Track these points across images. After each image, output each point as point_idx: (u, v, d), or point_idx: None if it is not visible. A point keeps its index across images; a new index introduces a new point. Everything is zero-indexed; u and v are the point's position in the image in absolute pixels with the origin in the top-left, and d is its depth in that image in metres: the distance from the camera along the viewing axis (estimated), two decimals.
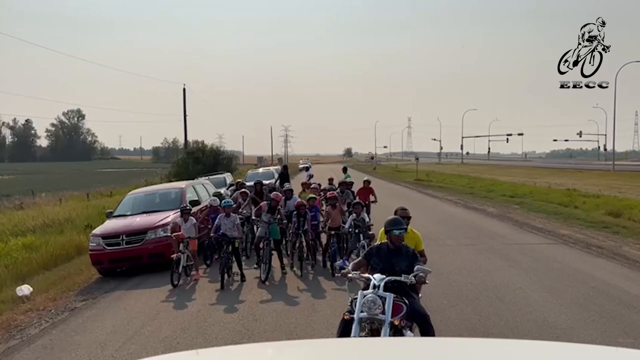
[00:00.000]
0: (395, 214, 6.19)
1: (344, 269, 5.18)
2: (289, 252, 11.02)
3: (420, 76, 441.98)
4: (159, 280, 9.90)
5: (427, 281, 5.00)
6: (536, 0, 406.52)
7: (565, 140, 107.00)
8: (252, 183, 14.95)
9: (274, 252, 10.20)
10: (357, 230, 9.76)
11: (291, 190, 11.99)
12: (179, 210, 12.23)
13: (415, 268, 4.95)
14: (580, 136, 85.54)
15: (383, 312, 4.53)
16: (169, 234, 10.33)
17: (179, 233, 10.11)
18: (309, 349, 2.10)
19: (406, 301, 4.79)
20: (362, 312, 4.55)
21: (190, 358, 2.06)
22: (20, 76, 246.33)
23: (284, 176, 20.17)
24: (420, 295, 5.62)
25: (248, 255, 11.61)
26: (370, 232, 10.07)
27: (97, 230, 11.58)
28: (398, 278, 4.84)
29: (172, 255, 9.74)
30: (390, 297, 4.60)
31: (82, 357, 6.38)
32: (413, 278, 4.84)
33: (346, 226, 9.99)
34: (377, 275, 4.82)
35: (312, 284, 9.37)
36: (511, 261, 10.47)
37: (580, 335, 6.21)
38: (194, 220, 10.47)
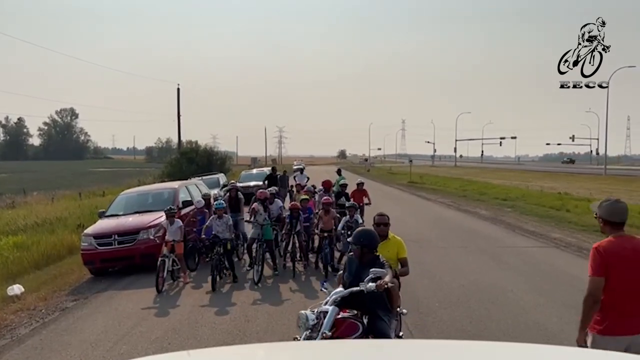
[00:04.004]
0: (374, 221, 5.94)
1: (326, 288, 4.73)
2: (281, 253, 11.00)
3: (414, 78, 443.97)
4: (150, 280, 9.82)
5: (388, 285, 4.30)
6: (532, 2, 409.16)
7: (558, 144, 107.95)
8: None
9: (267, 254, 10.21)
10: (349, 232, 9.77)
11: (274, 195, 11.76)
12: None
13: (370, 271, 4.27)
14: (573, 140, 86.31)
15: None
16: (153, 237, 10.01)
17: (167, 237, 9.88)
18: (300, 350, 2.10)
19: (363, 321, 4.26)
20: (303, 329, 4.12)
21: (181, 359, 2.06)
22: (12, 74, 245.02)
23: (273, 179, 19.69)
24: (404, 311, 5.31)
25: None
26: None
27: (89, 229, 11.52)
28: (355, 288, 4.28)
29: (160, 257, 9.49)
30: (331, 310, 4.05)
31: (72, 358, 6.34)
32: (372, 284, 4.17)
33: (339, 228, 10.00)
34: (337, 290, 4.38)
35: (304, 285, 9.36)
36: (503, 263, 10.52)
37: (571, 337, 6.21)
38: (180, 223, 10.18)
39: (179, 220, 10.28)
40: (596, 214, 3.95)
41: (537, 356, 1.92)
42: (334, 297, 4.25)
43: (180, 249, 9.93)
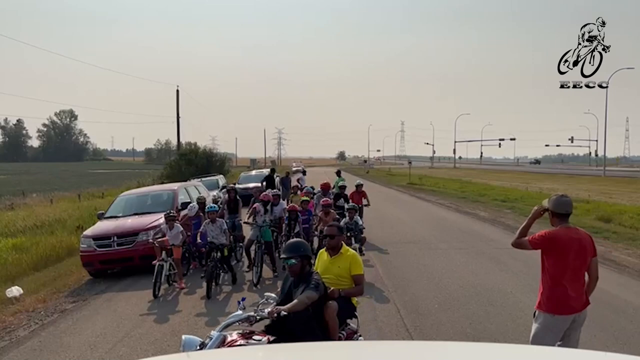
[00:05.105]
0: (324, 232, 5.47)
1: (243, 308, 4.06)
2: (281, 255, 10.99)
3: (414, 80, 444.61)
4: (149, 282, 9.81)
5: (281, 313, 3.84)
6: (532, 3, 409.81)
7: (557, 146, 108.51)
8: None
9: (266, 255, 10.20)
10: (349, 234, 9.79)
11: (278, 196, 11.74)
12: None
13: (265, 295, 3.95)
14: (572, 142, 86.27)
15: None
16: (152, 240, 9.82)
17: (164, 239, 9.68)
18: (299, 352, 2.10)
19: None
20: None
21: None
22: (11, 75, 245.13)
23: (272, 180, 19.71)
24: (360, 338, 4.79)
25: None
26: (362, 235, 10.10)
27: (88, 231, 11.51)
28: (250, 313, 3.86)
29: (154, 262, 9.30)
30: (215, 337, 3.54)
31: (71, 359, 6.33)
32: (265, 311, 3.81)
33: None
34: (236, 312, 3.91)
35: None
36: (502, 265, 10.51)
37: None
38: (180, 228, 9.97)
39: (178, 225, 10.08)
40: (547, 209, 4.44)
41: (537, 358, 1.93)
42: (228, 321, 3.80)
43: (177, 254, 9.75)
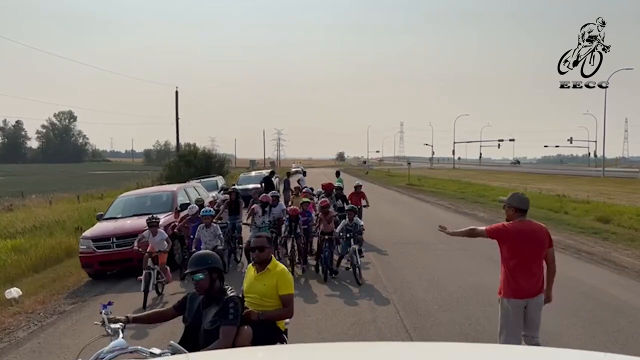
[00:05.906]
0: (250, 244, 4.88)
1: (108, 313, 3.47)
2: (280, 256, 11.00)
3: (413, 80, 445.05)
4: None
5: None
6: (531, 4, 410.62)
7: (556, 147, 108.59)
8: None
9: None
10: (348, 235, 9.78)
11: (277, 197, 11.73)
12: (170, 213, 12.18)
13: (169, 345, 3.22)
14: (571, 142, 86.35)
15: None
16: (137, 247, 9.31)
17: (151, 247, 9.20)
18: (299, 353, 2.10)
19: None
20: None
21: None
22: (10, 76, 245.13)
23: (270, 182, 19.71)
24: None
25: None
26: (360, 236, 10.09)
27: (88, 232, 11.51)
28: (142, 350, 3.15)
29: (139, 278, 8.78)
30: None
31: None
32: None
33: (337, 230, 10.00)
34: (117, 342, 3.23)
35: (303, 288, 9.34)
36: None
37: (569, 340, 6.25)
38: (165, 234, 9.43)
39: (162, 231, 9.61)
40: (506, 204, 5.00)
41: (536, 358, 1.93)
42: (109, 355, 3.13)
43: (163, 259, 9.22)
